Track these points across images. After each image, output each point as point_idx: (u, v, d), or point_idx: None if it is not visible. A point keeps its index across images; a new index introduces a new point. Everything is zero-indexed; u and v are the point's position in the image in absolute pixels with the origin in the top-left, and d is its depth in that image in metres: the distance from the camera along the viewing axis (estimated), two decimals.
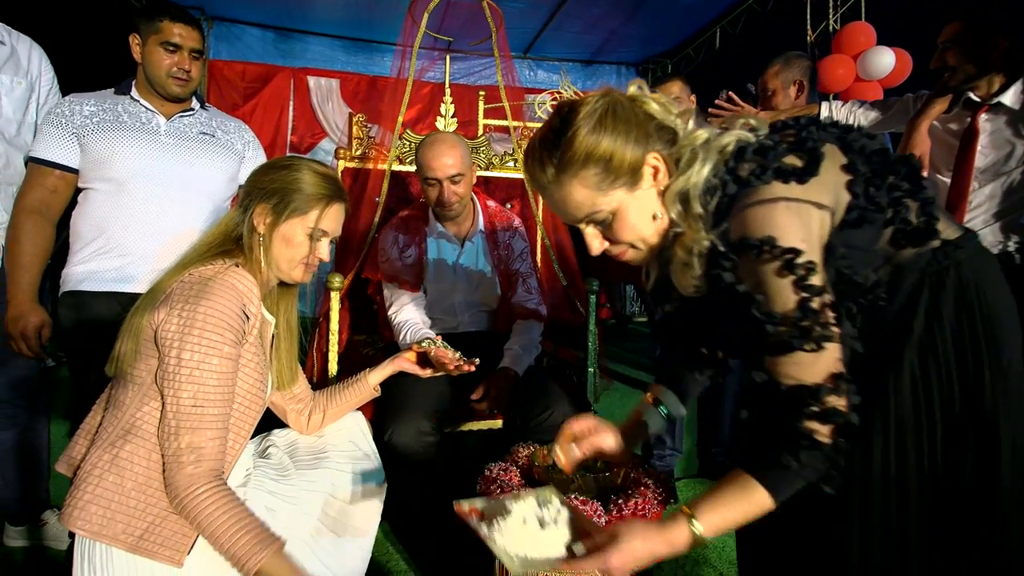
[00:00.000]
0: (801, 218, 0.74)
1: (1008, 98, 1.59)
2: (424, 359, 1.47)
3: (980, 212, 1.64)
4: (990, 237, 1.63)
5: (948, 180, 1.68)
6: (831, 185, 0.77)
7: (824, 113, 1.98)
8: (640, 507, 1.19)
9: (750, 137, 0.81)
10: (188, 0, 4.79)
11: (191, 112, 1.66)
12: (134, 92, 1.61)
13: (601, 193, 0.82)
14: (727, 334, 0.90)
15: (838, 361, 0.74)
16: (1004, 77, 1.60)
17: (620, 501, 1.20)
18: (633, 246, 0.87)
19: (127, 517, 0.93)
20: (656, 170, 0.83)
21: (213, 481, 0.96)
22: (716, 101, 2.17)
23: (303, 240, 1.12)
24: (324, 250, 1.17)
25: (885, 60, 3.43)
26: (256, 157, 1.76)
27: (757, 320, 0.75)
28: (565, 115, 0.83)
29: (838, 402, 0.73)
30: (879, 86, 3.50)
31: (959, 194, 1.64)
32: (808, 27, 4.14)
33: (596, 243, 0.88)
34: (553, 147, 0.83)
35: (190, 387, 0.95)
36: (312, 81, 5.27)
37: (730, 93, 2.16)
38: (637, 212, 0.84)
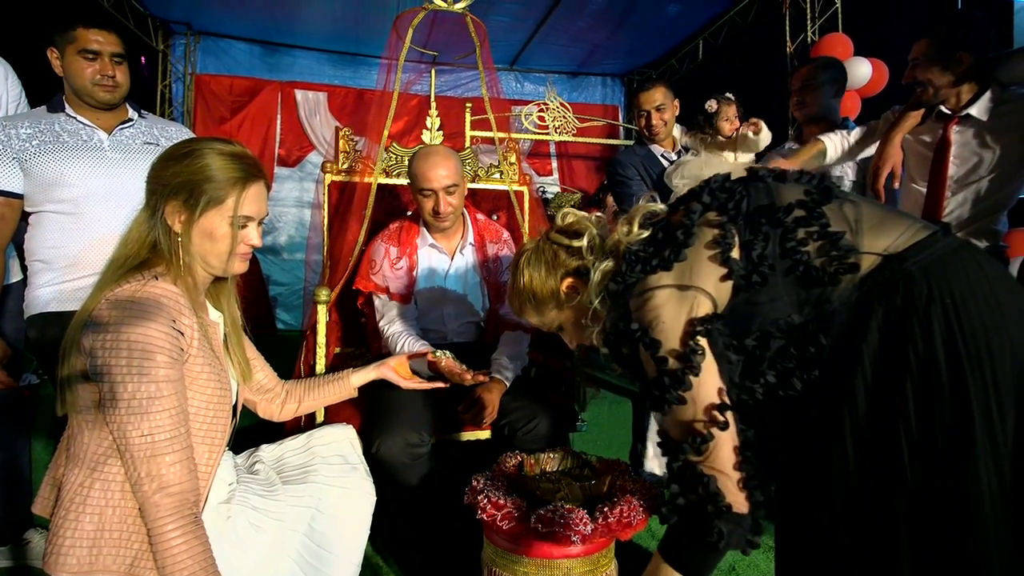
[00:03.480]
0: (666, 302, 0.89)
1: (976, 110, 1.66)
2: (421, 369, 1.49)
3: (954, 218, 1.71)
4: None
5: (924, 189, 1.76)
6: (700, 263, 0.90)
7: (828, 148, 1.96)
8: (625, 514, 1.20)
9: (638, 235, 0.98)
10: (175, 15, 4.80)
11: (131, 123, 1.62)
12: (68, 108, 1.55)
13: (542, 317, 1.14)
14: None
15: (695, 423, 0.85)
16: (972, 90, 1.67)
17: (605, 509, 1.21)
18: (584, 340, 1.12)
19: (115, 549, 0.92)
20: (572, 288, 1.08)
21: (182, 519, 0.92)
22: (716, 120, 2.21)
23: (227, 231, 1.04)
24: (253, 236, 1.09)
25: (862, 70, 3.51)
26: None
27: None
28: (513, 265, 1.15)
29: (695, 458, 0.85)
30: (857, 96, 3.57)
31: (935, 202, 1.72)
32: (787, 38, 4.22)
33: (567, 341, 1.19)
34: (511, 290, 1.16)
35: (131, 419, 0.91)
36: (299, 94, 5.28)
37: (712, 102, 2.21)
38: (571, 322, 1.12)
